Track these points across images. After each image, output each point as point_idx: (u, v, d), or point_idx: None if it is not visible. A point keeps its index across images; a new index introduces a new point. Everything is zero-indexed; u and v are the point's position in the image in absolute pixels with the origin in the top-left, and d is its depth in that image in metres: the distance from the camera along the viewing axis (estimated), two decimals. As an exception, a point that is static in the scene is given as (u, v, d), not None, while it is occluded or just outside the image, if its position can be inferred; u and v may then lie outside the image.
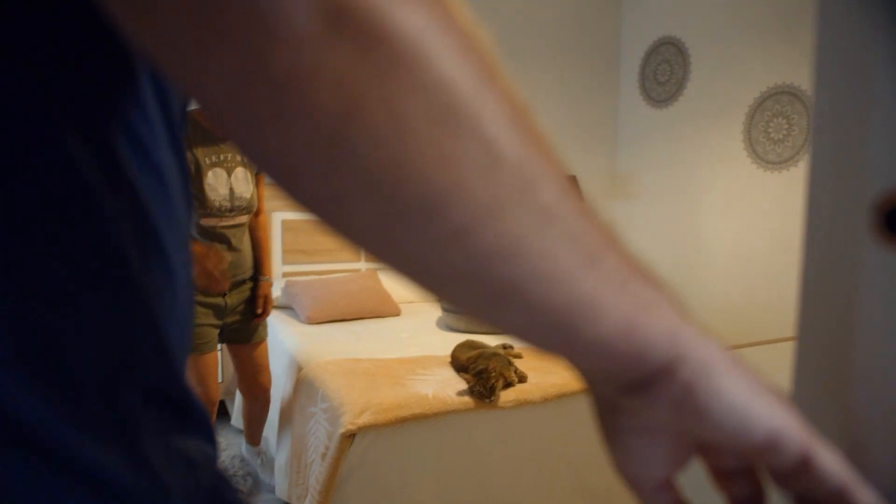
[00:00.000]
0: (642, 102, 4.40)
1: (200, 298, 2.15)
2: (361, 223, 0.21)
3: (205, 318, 2.19)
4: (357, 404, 1.93)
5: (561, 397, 2.09)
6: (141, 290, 0.30)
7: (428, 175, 0.20)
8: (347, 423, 1.88)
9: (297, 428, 2.28)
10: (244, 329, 2.35)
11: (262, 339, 2.44)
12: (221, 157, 2.10)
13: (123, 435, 0.29)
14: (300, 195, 0.21)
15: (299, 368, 2.47)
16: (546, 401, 2.07)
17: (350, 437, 1.87)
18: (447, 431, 1.98)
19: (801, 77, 3.26)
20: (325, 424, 2.01)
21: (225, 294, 2.23)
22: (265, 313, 2.38)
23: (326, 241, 3.79)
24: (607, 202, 4.68)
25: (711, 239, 3.88)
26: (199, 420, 0.36)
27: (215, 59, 0.19)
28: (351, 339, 2.80)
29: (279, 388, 2.60)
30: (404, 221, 0.21)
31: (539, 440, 2.07)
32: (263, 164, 0.21)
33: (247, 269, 2.31)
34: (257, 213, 2.35)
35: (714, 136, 3.83)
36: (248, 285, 2.34)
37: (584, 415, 2.14)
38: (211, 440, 0.37)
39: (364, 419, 1.88)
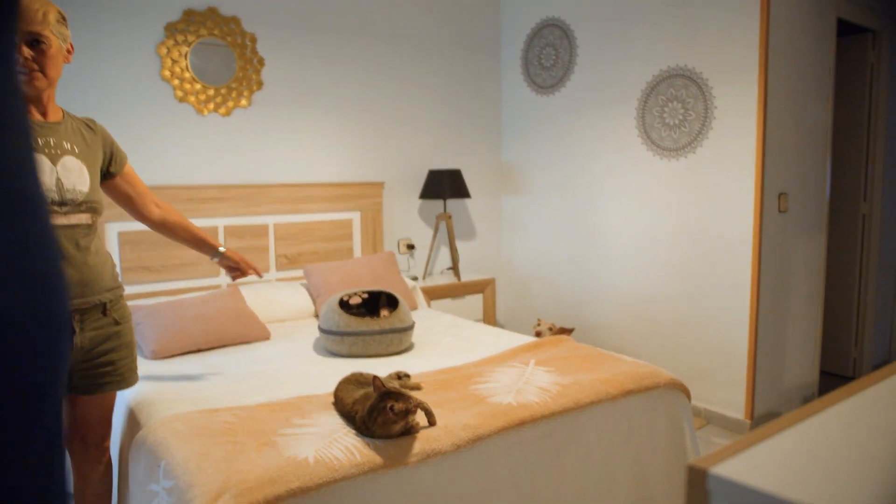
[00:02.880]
0: (527, 89, 4.12)
1: None
2: None
3: None
4: (213, 482, 1.43)
5: (476, 442, 1.69)
6: None
7: None
8: (198, 512, 1.37)
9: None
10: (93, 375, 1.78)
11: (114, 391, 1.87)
12: (43, 142, 1.65)
13: None
14: None
15: (138, 426, 1.90)
16: (459, 448, 1.66)
17: (203, 531, 1.37)
18: None
19: (696, 59, 3.08)
20: (168, 512, 1.49)
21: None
22: (256, 270, 2.21)
23: (176, 254, 3.17)
24: (495, 195, 4.37)
25: (608, 232, 3.65)
26: None
27: None
28: (207, 378, 2.26)
29: (114, 454, 2.02)
30: None
31: (455, 499, 1.66)
32: None
33: (98, 290, 1.73)
34: (157, 204, 2.01)
35: (606, 123, 3.60)
36: (105, 319, 1.77)
37: (507, 462, 1.75)
38: None
39: (222, 504, 1.38)
